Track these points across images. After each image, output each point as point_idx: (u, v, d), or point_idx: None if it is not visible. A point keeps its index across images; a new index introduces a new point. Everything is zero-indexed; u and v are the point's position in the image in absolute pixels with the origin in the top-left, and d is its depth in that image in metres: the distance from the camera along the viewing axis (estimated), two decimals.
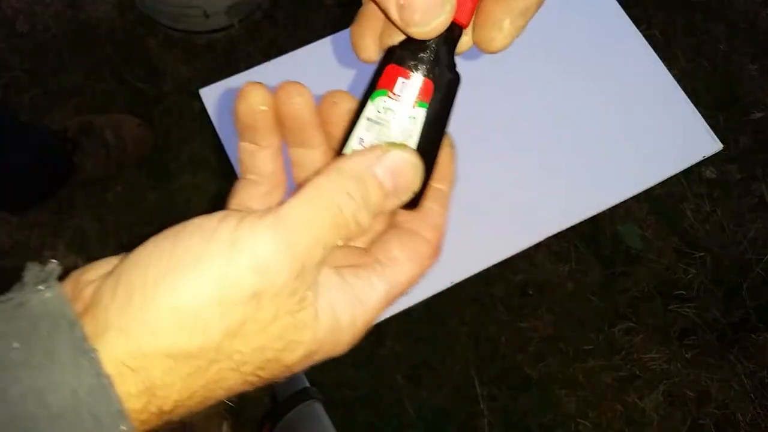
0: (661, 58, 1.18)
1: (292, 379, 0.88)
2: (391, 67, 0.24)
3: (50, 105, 1.13)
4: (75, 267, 0.22)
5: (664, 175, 0.73)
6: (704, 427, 0.97)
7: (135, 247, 0.21)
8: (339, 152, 0.25)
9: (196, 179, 1.08)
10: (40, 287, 0.19)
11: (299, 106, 0.24)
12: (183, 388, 0.20)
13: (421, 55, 0.24)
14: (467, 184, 0.66)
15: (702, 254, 1.05)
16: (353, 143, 0.24)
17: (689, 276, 1.04)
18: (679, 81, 1.21)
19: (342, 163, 0.22)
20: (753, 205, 1.09)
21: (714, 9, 1.23)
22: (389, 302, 0.24)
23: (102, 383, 0.18)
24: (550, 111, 0.71)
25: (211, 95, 0.72)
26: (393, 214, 0.26)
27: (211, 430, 0.90)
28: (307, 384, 0.88)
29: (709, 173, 1.11)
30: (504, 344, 1.00)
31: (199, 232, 0.20)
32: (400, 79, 0.24)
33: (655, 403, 0.98)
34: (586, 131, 0.71)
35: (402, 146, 0.23)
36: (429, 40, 0.23)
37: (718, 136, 1.19)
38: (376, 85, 0.24)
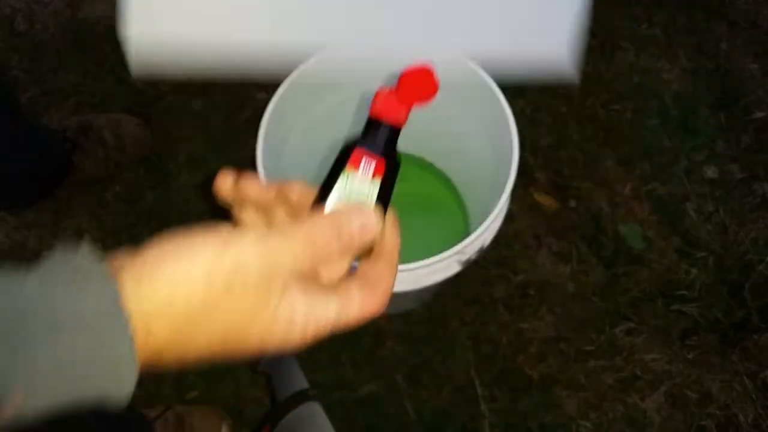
0: (662, 57, 1.18)
1: (292, 380, 0.88)
2: (358, 150, 0.34)
3: (48, 104, 1.12)
4: None
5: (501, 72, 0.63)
6: (706, 428, 0.97)
7: (133, 247, 0.27)
8: (317, 202, 0.33)
9: (194, 179, 1.08)
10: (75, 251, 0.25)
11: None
12: (169, 337, 0.26)
13: (378, 142, 0.34)
14: None
15: (704, 254, 1.04)
16: (330, 203, 0.33)
17: (691, 276, 1.03)
18: (680, 80, 1.21)
19: (328, 209, 0.33)
20: (755, 205, 1.09)
21: (715, 8, 1.23)
22: (335, 326, 0.29)
23: (119, 307, 0.24)
24: None
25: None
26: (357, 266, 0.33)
27: (210, 431, 0.89)
28: (307, 385, 0.87)
29: (711, 173, 1.11)
30: (505, 345, 1.00)
31: (204, 229, 0.27)
32: (364, 159, 0.33)
33: (656, 404, 0.98)
34: None
35: (374, 208, 0.33)
36: (382, 131, 0.34)
37: (720, 136, 1.19)
38: (345, 164, 0.33)
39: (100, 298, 0.24)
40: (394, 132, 0.34)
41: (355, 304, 0.30)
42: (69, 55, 1.16)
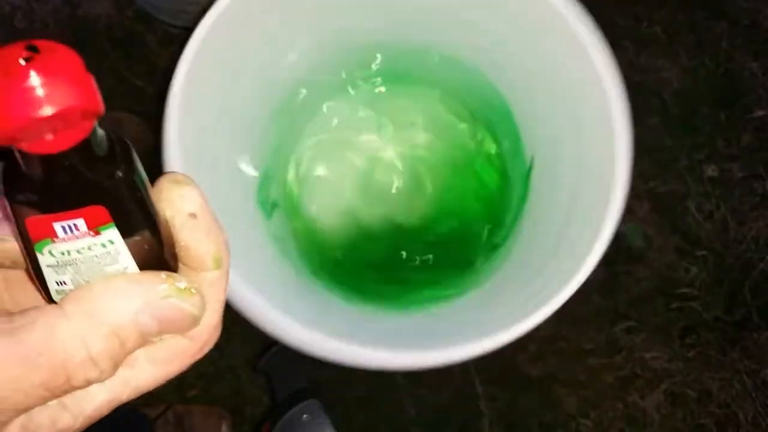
0: (662, 56, 1.18)
1: (292, 379, 0.88)
2: (30, 221, 0.17)
3: None
4: None
5: None
6: (705, 426, 0.97)
7: None
8: (47, 298, 0.20)
9: None
10: None
11: None
12: None
13: (63, 188, 0.16)
14: None
15: (704, 253, 1.04)
16: (54, 293, 0.19)
17: (691, 274, 1.03)
18: (681, 79, 1.20)
19: (86, 303, 0.17)
20: (755, 204, 1.09)
21: (715, 6, 1.23)
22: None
23: None
24: None
25: None
26: None
27: (210, 430, 0.90)
28: (307, 383, 0.88)
29: (711, 171, 1.11)
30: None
31: None
32: (55, 225, 0.17)
33: (656, 403, 0.98)
34: None
35: (176, 287, 0.19)
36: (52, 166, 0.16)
37: (720, 134, 1.19)
38: (29, 239, 0.18)
39: None
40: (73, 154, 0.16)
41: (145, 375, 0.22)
42: None
